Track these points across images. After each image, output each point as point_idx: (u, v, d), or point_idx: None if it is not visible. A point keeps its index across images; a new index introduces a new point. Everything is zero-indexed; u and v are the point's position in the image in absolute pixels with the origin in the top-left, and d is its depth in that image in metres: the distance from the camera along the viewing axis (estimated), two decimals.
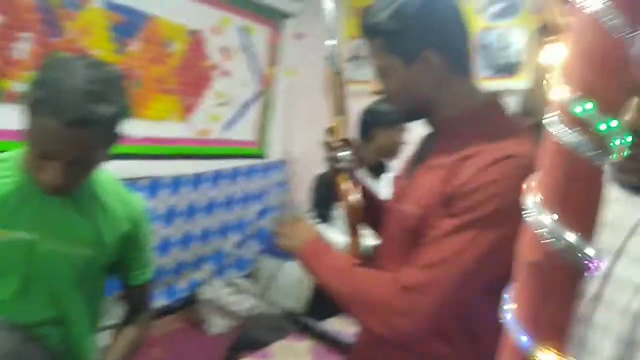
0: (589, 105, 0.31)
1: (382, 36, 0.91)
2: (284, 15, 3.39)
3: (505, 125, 0.92)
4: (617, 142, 0.31)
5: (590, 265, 0.31)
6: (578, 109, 0.30)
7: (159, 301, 2.80)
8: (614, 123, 0.30)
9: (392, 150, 2.15)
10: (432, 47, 0.88)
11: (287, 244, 1.07)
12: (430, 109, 0.94)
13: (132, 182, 2.65)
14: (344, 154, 1.14)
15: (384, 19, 0.89)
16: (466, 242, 0.80)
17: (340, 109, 1.15)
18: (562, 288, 0.32)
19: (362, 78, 3.37)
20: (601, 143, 0.31)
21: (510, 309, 0.35)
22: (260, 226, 3.51)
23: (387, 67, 0.93)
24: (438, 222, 0.85)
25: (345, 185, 1.13)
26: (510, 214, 0.71)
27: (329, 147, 1.17)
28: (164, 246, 2.89)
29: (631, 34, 0.30)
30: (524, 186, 0.35)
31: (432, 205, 0.86)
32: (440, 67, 0.89)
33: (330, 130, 1.17)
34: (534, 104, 1.59)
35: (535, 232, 0.33)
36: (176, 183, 2.88)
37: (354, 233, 1.10)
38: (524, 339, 0.33)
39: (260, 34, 3.25)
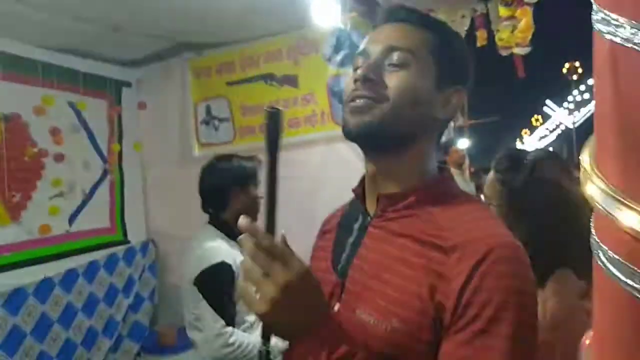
0: None
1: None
2: (122, 85, 3.08)
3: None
4: None
5: None
6: None
7: None
8: None
9: (253, 210, 1.88)
10: None
11: (280, 323, 0.66)
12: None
13: None
14: None
15: None
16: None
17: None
18: None
19: (213, 140, 3.11)
20: None
21: None
22: (135, 321, 3.05)
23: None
24: (432, 337, 0.68)
25: None
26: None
27: None
28: None
29: None
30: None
31: (420, 317, 0.68)
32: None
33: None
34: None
35: None
36: (12, 299, 2.35)
37: None
38: None
39: (95, 108, 2.89)
